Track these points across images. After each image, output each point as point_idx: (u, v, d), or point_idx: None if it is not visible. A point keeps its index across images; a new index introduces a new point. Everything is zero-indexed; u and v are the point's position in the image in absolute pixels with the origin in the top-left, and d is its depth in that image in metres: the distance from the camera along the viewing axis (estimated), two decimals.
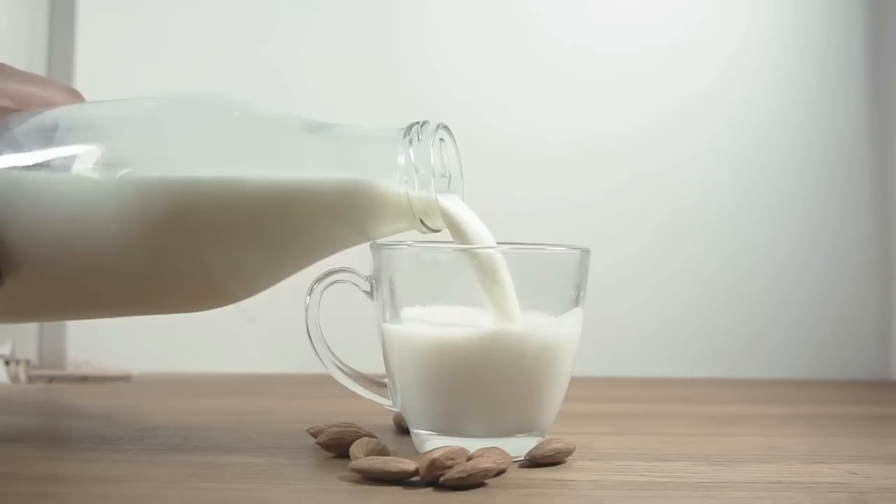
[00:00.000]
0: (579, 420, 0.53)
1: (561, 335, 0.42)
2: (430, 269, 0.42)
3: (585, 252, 0.44)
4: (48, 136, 0.39)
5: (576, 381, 0.45)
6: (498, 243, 0.43)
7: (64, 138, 0.39)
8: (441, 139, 0.41)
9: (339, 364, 0.45)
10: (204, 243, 0.39)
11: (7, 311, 0.41)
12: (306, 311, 0.45)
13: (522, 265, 0.42)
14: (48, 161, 0.38)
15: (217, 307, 0.42)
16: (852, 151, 0.81)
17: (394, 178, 0.40)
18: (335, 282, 0.45)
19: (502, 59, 0.80)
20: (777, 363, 0.80)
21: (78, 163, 0.38)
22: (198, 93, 0.41)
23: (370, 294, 0.45)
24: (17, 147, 0.38)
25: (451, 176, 0.42)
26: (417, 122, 0.41)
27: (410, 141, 0.40)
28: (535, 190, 0.79)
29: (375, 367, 0.45)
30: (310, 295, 0.45)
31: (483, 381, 0.41)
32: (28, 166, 0.38)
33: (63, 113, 0.40)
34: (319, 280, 0.45)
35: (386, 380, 0.45)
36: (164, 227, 0.38)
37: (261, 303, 0.78)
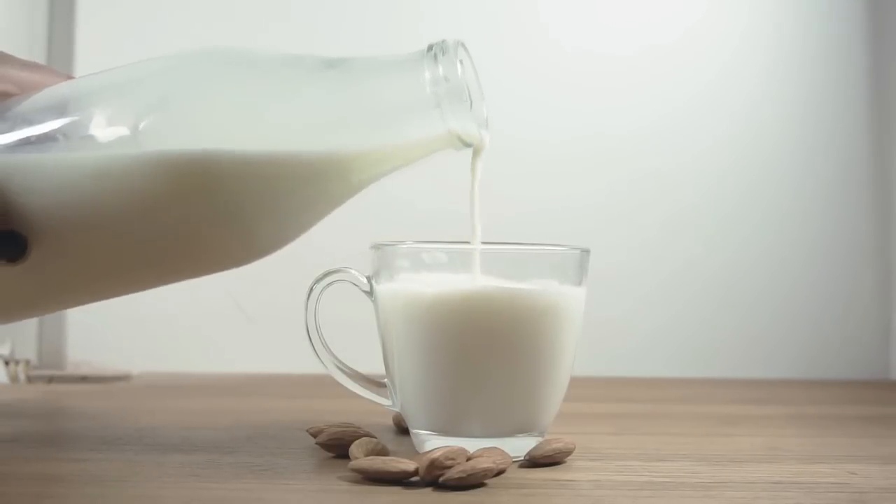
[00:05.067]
0: (579, 420, 0.53)
1: (562, 299, 0.42)
2: (430, 268, 0.42)
3: (585, 252, 0.44)
4: (60, 108, 0.38)
5: (576, 381, 0.45)
6: (497, 243, 0.43)
7: (77, 108, 0.38)
8: (461, 60, 0.40)
9: (338, 364, 0.45)
10: (237, 212, 0.38)
11: (33, 292, 0.40)
12: (306, 311, 0.45)
13: (523, 265, 0.42)
14: (62, 130, 0.38)
15: (249, 263, 0.42)
16: (852, 152, 0.81)
17: (422, 97, 0.39)
18: (335, 281, 0.45)
19: (501, 61, 0.80)
20: (777, 363, 0.80)
21: (93, 131, 0.37)
22: (205, 53, 0.40)
23: (370, 294, 0.45)
24: (29, 121, 0.38)
25: (472, 99, 0.41)
26: (434, 43, 0.40)
27: (435, 56, 0.39)
28: (533, 190, 0.79)
29: (375, 367, 0.45)
30: (309, 295, 0.45)
31: (482, 345, 0.41)
32: (42, 136, 0.38)
33: (70, 86, 0.40)
34: (319, 280, 0.45)
35: (386, 380, 0.45)
36: (191, 199, 0.37)
37: (261, 303, 0.79)
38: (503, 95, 0.80)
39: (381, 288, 0.44)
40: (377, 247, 0.44)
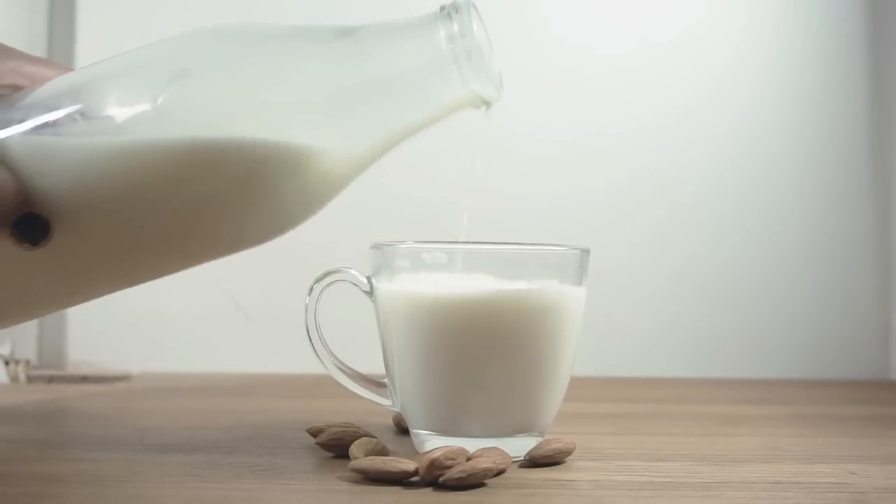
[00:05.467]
0: (579, 420, 0.53)
1: (562, 298, 0.42)
2: (430, 267, 0.42)
3: (585, 252, 0.44)
4: (76, 91, 0.38)
5: (576, 381, 0.45)
6: (497, 243, 0.43)
7: (93, 90, 0.38)
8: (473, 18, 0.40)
9: (338, 364, 0.45)
10: (258, 192, 0.38)
11: (56, 280, 0.40)
12: (306, 311, 0.45)
13: (523, 265, 0.42)
14: (80, 111, 0.37)
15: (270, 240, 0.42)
16: (852, 151, 0.81)
17: (440, 56, 0.39)
18: (335, 281, 0.45)
19: (500, 58, 0.80)
20: (777, 363, 0.80)
21: (112, 111, 0.37)
22: (215, 34, 0.40)
23: (370, 294, 0.45)
24: (45, 106, 0.38)
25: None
26: (446, 3, 0.40)
27: (448, 14, 0.39)
28: (532, 188, 0.79)
29: (375, 368, 0.45)
30: (309, 295, 0.45)
31: (482, 345, 0.41)
32: (60, 119, 0.37)
33: (84, 71, 0.40)
34: (319, 280, 0.45)
35: (386, 380, 0.45)
36: (211, 180, 0.37)
37: (260, 302, 0.79)
38: (504, 94, 0.80)
39: (381, 288, 0.44)
40: (377, 247, 0.44)
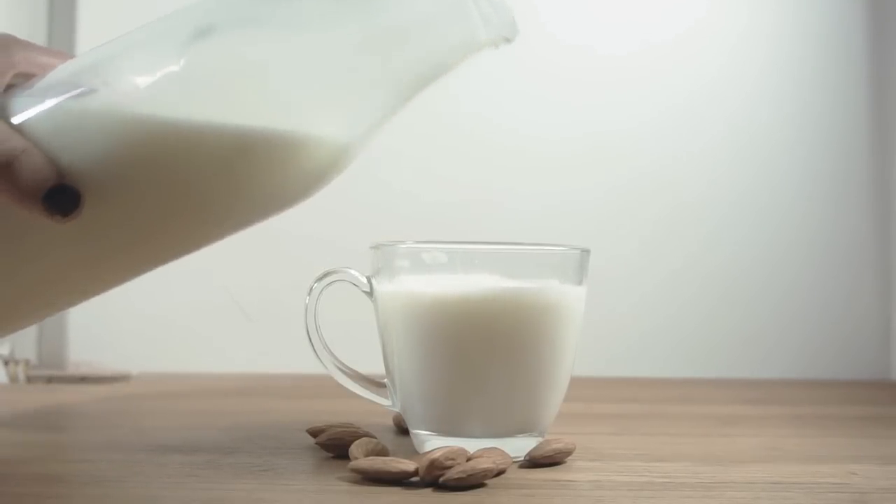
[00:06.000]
0: (579, 420, 0.53)
1: (562, 298, 0.42)
2: (430, 267, 0.42)
3: (585, 252, 0.44)
4: (92, 68, 0.38)
5: (576, 381, 0.45)
6: (498, 243, 0.43)
7: (109, 66, 0.38)
8: None
9: (338, 364, 0.45)
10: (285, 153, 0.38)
11: (87, 261, 0.39)
12: (306, 311, 0.45)
13: (523, 264, 0.42)
14: (102, 81, 0.37)
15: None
16: (852, 151, 0.81)
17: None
18: (335, 281, 0.45)
19: (501, 58, 0.80)
20: (777, 363, 0.80)
21: (134, 81, 0.37)
22: (210, 13, 0.39)
23: (370, 294, 0.45)
24: (64, 86, 0.38)
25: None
26: None
27: None
28: (533, 187, 0.79)
29: (375, 368, 0.45)
30: (309, 295, 0.45)
31: (482, 345, 0.41)
32: (82, 91, 0.37)
33: (99, 49, 0.40)
34: (319, 280, 0.45)
35: (386, 380, 0.45)
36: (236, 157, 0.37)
37: (261, 303, 0.79)
38: (503, 93, 0.81)
39: (381, 288, 0.44)
40: (377, 247, 0.44)
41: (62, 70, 0.39)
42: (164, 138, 0.36)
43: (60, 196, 0.35)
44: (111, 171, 0.36)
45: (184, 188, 0.37)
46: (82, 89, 0.37)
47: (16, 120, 0.36)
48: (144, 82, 0.37)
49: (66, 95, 0.37)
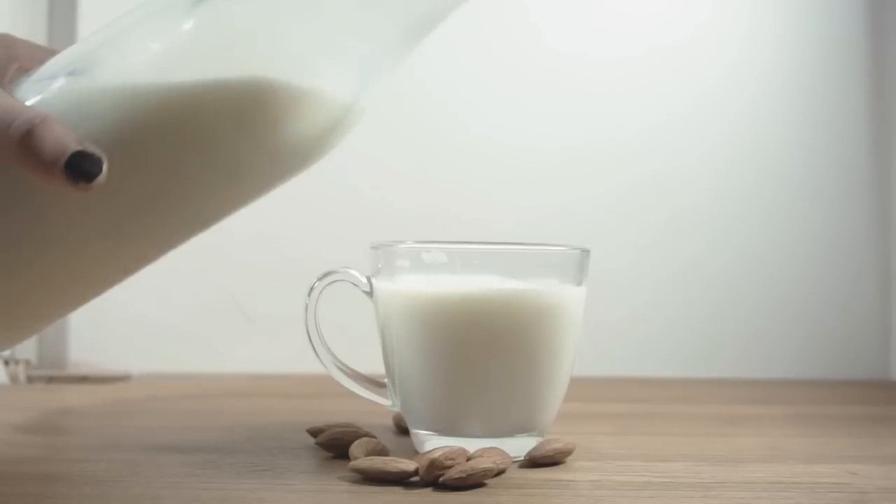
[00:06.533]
0: (579, 420, 0.53)
1: (562, 299, 0.42)
2: (430, 267, 0.42)
3: (585, 252, 0.44)
4: (96, 48, 0.38)
5: (576, 381, 0.45)
6: (498, 243, 0.43)
7: (111, 45, 0.38)
8: None
9: (338, 364, 0.45)
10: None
11: (116, 236, 0.39)
12: (306, 311, 0.45)
13: (523, 265, 0.42)
14: (107, 52, 0.37)
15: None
16: (852, 152, 0.81)
17: None
18: (335, 281, 0.45)
19: (501, 67, 0.80)
20: (777, 363, 0.80)
21: (128, 58, 0.37)
22: None
23: (370, 294, 0.45)
24: (69, 65, 0.38)
25: None
26: None
27: None
28: (536, 195, 0.79)
29: (375, 367, 0.45)
30: (309, 295, 0.45)
31: (482, 345, 0.41)
32: (85, 68, 0.37)
33: (97, 34, 0.40)
34: (319, 280, 0.45)
35: (386, 380, 0.45)
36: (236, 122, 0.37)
37: (261, 303, 0.79)
38: (506, 102, 0.80)
39: (381, 288, 0.44)
40: (377, 247, 0.44)
41: (65, 54, 0.39)
42: (171, 102, 0.36)
43: (83, 161, 0.34)
44: (127, 143, 0.36)
45: (199, 150, 0.37)
46: (87, 66, 0.37)
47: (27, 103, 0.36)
48: (150, 50, 0.37)
49: (73, 75, 0.37)
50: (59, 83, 0.37)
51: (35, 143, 0.33)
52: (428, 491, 0.37)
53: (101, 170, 0.34)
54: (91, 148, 0.34)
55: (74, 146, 0.34)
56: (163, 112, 0.36)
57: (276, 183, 0.40)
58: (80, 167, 0.34)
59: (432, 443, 0.42)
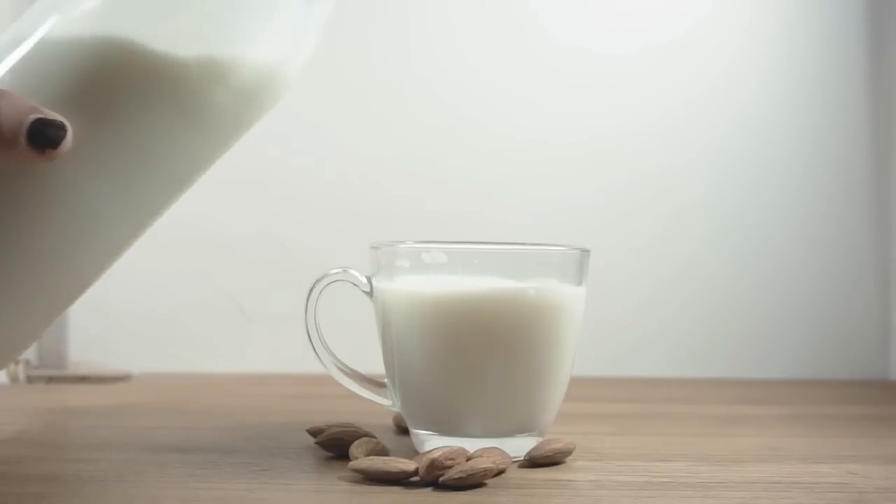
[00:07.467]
0: (579, 420, 0.53)
1: (562, 298, 0.42)
2: (430, 267, 0.42)
3: (585, 252, 0.44)
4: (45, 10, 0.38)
5: (576, 381, 0.45)
6: (498, 243, 0.43)
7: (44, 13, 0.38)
8: None
9: (338, 364, 0.45)
10: None
11: (104, 198, 0.38)
12: (306, 311, 0.45)
13: (523, 264, 0.42)
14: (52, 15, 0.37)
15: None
16: (852, 152, 0.81)
17: None
18: (335, 281, 0.45)
19: (500, 63, 0.80)
20: (776, 363, 0.80)
21: (72, 12, 0.37)
22: None
23: (370, 294, 0.45)
24: (17, 35, 0.38)
25: None
26: None
27: None
28: (534, 191, 0.79)
29: (375, 368, 0.45)
30: (309, 295, 0.45)
31: (482, 345, 0.41)
32: (33, 34, 0.37)
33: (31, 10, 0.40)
34: (319, 280, 0.45)
35: (386, 380, 0.45)
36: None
37: (260, 303, 0.79)
38: (504, 97, 0.80)
39: (381, 288, 0.44)
40: (377, 247, 0.44)
41: (19, 22, 0.39)
42: (111, 54, 0.36)
43: (47, 128, 0.33)
44: (80, 98, 0.36)
45: (152, 103, 0.37)
46: (31, 30, 0.37)
47: None
48: (92, 4, 0.37)
49: (18, 42, 0.37)
50: (14, 50, 0.37)
51: None
52: (428, 491, 0.37)
53: (65, 133, 0.34)
54: (52, 114, 0.34)
55: (34, 114, 0.33)
56: (108, 67, 0.36)
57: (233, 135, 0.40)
58: (44, 134, 0.33)
59: (432, 443, 0.42)
